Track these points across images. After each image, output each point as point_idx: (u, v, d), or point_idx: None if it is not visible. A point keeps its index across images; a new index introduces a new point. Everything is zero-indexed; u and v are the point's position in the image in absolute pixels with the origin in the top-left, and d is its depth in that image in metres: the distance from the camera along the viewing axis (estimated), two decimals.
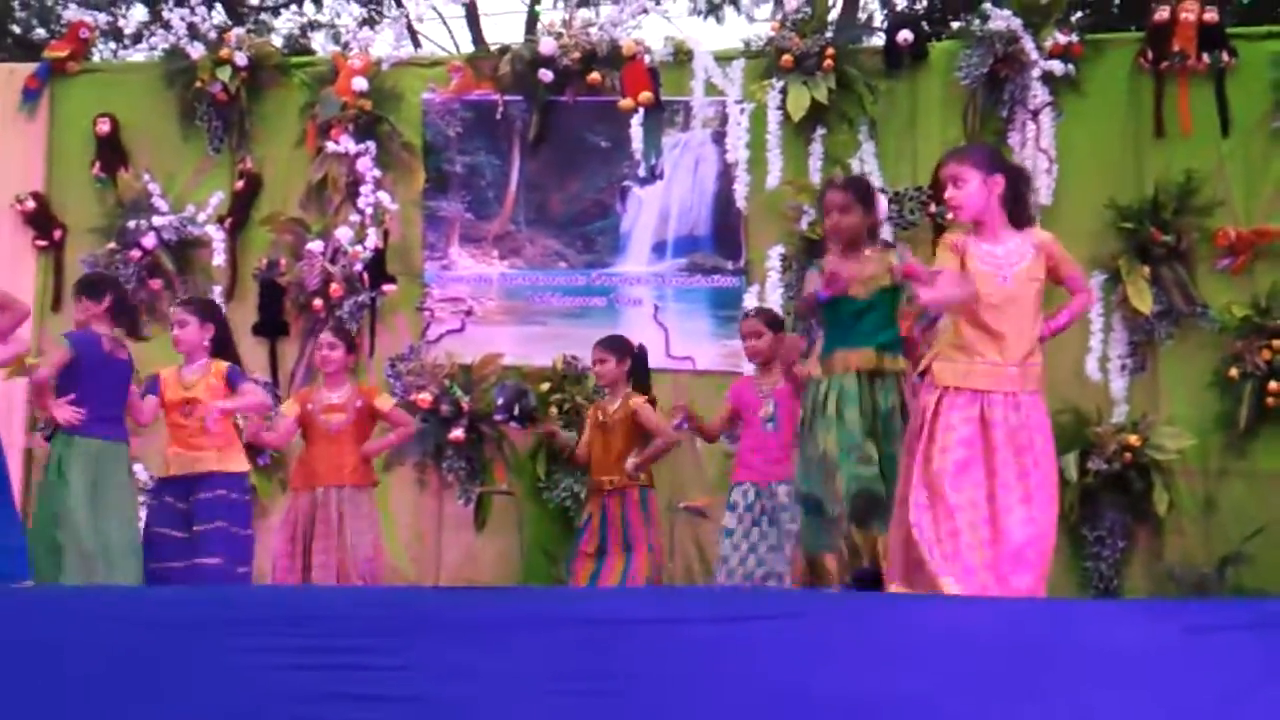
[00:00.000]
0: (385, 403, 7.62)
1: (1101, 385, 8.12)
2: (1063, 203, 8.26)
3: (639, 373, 7.58)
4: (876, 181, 8.36)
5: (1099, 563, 7.91)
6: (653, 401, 7.51)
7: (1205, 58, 8.23)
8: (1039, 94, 8.32)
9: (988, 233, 5.21)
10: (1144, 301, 8.07)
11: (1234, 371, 8.00)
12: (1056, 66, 8.31)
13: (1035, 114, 8.32)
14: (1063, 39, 8.35)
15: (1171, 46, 8.23)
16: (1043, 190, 8.17)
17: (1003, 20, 8.32)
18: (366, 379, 8.33)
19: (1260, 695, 3.28)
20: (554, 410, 8.34)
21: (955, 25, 8.86)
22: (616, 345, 7.60)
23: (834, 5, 13.29)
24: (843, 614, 3.69)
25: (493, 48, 9.05)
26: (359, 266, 8.68)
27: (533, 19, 16.44)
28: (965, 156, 5.36)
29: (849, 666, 3.36)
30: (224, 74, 8.92)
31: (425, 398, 8.39)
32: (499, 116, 8.92)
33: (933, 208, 8.11)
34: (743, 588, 6.21)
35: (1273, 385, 7.90)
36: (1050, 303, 5.36)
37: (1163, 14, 8.26)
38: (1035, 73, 8.31)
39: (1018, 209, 5.28)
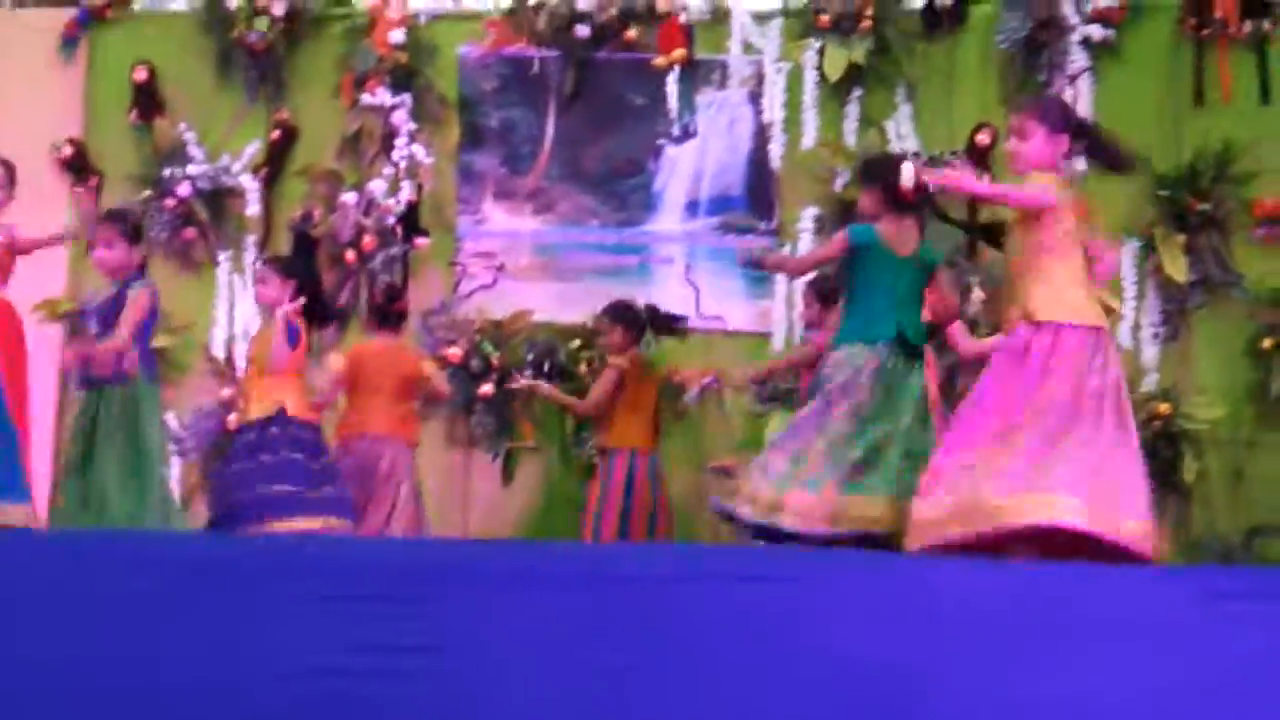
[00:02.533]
0: (426, 365, 7.73)
1: (1133, 353, 8.08)
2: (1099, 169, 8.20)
3: (661, 327, 7.66)
4: (912, 145, 8.36)
5: None
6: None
7: (1247, 25, 8.16)
8: (1078, 59, 8.27)
9: None
10: (1178, 269, 8.03)
11: (1267, 342, 7.95)
12: (1096, 31, 8.25)
13: (1073, 79, 8.27)
14: (1103, 3, 8.28)
15: (1213, 13, 8.16)
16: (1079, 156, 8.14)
17: None
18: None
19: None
20: (584, 367, 8.36)
21: None
22: (619, 313, 7.77)
23: None
24: (866, 576, 3.70)
25: (530, 3, 9.03)
26: (392, 219, 8.68)
27: None
28: (1034, 110, 5.34)
29: (869, 629, 3.36)
30: (261, 24, 8.91)
31: (455, 353, 8.42)
32: (534, 72, 8.90)
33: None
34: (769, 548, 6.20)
35: None
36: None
37: None
38: (1075, 37, 8.26)
39: (1107, 160, 5.29)
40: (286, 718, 3.24)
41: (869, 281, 5.83)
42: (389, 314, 7.76)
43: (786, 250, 8.41)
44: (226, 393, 8.56)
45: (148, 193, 8.90)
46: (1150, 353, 8.12)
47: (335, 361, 7.58)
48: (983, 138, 8.16)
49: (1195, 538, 7.89)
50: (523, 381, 8.10)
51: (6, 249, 6.77)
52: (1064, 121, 5.31)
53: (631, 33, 8.71)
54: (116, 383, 6.53)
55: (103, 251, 6.73)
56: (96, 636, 3.42)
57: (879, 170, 6.01)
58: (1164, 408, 7.82)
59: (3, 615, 3.41)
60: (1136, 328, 8.13)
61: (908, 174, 5.65)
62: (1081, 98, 8.25)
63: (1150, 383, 8.03)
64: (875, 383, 5.68)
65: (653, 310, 7.83)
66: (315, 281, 7.36)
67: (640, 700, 3.28)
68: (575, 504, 8.24)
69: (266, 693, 3.27)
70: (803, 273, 7.03)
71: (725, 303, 8.63)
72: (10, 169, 7.07)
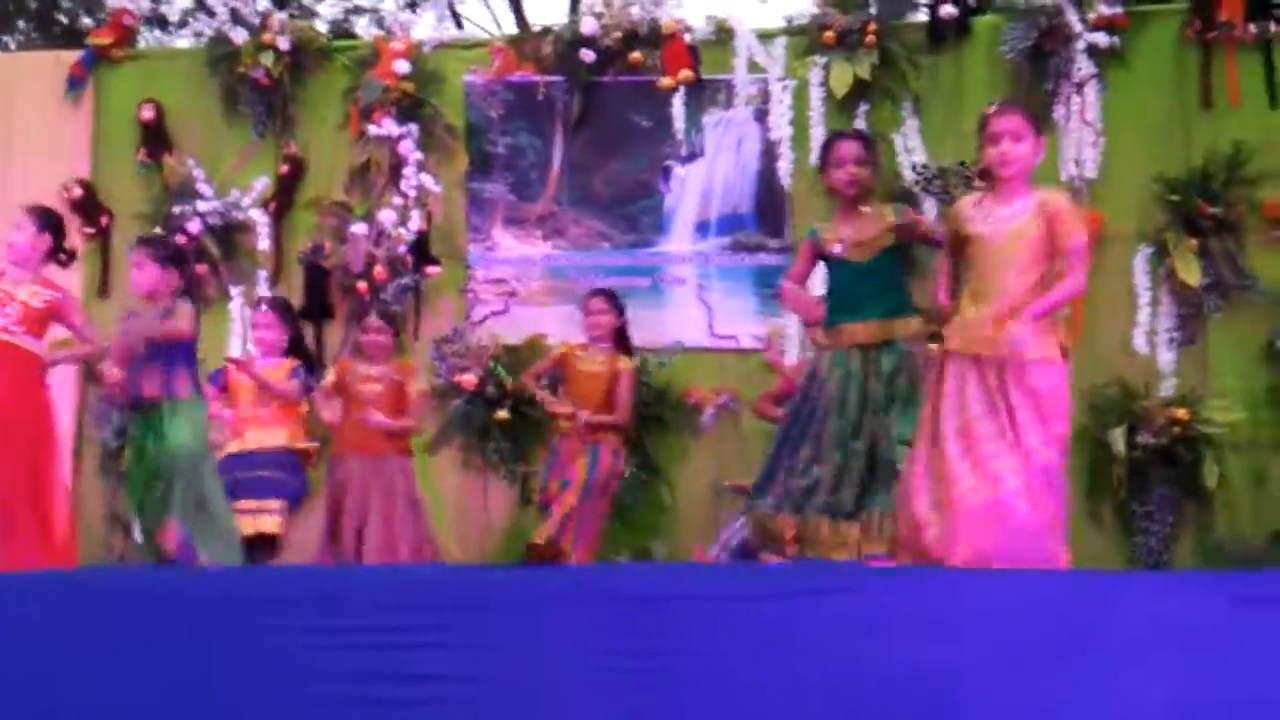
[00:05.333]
0: (412, 388, 7.79)
1: (1149, 358, 8.07)
2: (1109, 176, 8.21)
3: (626, 337, 7.63)
4: (920, 157, 8.36)
5: (1147, 537, 7.86)
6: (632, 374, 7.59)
7: (1253, 27, 8.14)
8: (1084, 66, 8.26)
9: (1007, 192, 5.16)
10: (1192, 274, 8.00)
11: None
12: (1101, 39, 8.24)
13: (1080, 87, 8.26)
14: (1107, 10, 8.27)
15: (1218, 16, 8.15)
16: (1089, 163, 8.15)
17: None
18: (412, 361, 8.36)
19: None
20: None
21: None
22: (616, 299, 7.66)
23: None
24: (889, 587, 3.67)
25: (534, 28, 9.04)
26: (403, 249, 8.69)
27: None
28: (1024, 114, 5.30)
29: (893, 640, 3.35)
30: (267, 59, 8.94)
31: (470, 379, 8.42)
32: (541, 97, 8.92)
33: (977, 183, 8.05)
34: (785, 563, 6.18)
35: None
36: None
37: None
38: (1080, 45, 8.25)
39: None
40: None
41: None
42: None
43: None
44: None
45: (158, 230, 8.90)
46: (1166, 358, 8.09)
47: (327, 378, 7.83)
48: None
49: (1218, 543, 7.85)
50: (559, 407, 7.92)
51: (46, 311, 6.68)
52: (1039, 126, 5.30)
53: (636, 55, 8.72)
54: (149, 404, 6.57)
55: (134, 274, 6.74)
56: (118, 670, 3.42)
57: (878, 153, 6.07)
58: (1182, 413, 7.79)
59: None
60: (1152, 333, 8.10)
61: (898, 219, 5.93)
62: (1089, 105, 8.24)
63: (1168, 388, 8.00)
64: None
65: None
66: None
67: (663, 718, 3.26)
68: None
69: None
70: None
71: (738, 322, 8.63)
72: (42, 215, 6.85)
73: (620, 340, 7.61)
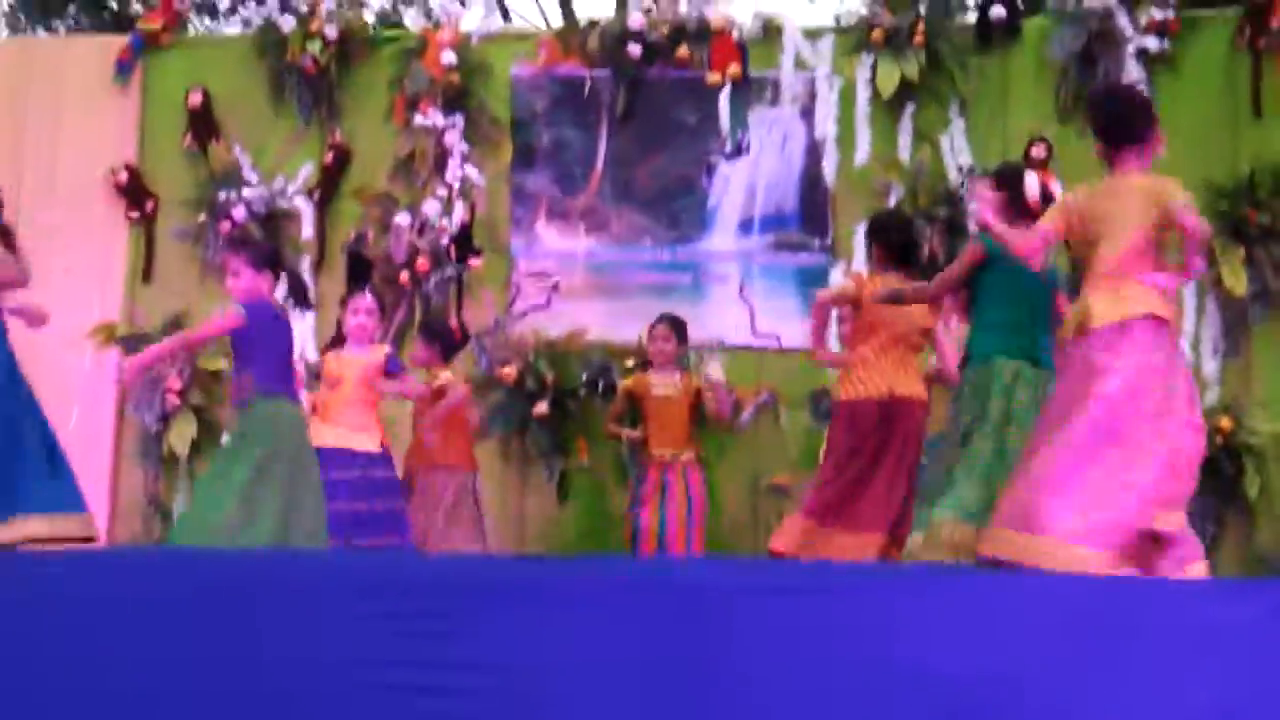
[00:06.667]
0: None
1: (1194, 367, 8.00)
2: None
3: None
4: (965, 159, 8.33)
5: None
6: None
7: None
8: (1133, 72, 8.21)
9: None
10: (1238, 282, 7.96)
11: None
12: (1151, 43, 8.20)
13: None
14: (1159, 15, 8.23)
15: (1270, 23, 8.09)
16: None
17: None
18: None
19: None
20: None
21: (1049, 1, 8.73)
22: (680, 327, 7.73)
23: None
24: (928, 588, 3.65)
25: (581, 22, 9.03)
26: (446, 240, 8.70)
27: None
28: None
29: (933, 642, 3.33)
30: (314, 47, 8.96)
31: (510, 372, 8.42)
32: (587, 91, 8.92)
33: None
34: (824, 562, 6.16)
35: None
36: None
37: None
38: (1130, 49, 8.22)
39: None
40: None
41: (999, 295, 5.63)
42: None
43: (841, 267, 8.38)
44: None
45: (203, 217, 8.94)
46: (1211, 367, 8.05)
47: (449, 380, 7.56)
48: (1038, 151, 8.11)
49: (1260, 552, 7.80)
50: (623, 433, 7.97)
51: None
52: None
53: (683, 51, 8.72)
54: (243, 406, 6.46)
55: (230, 281, 6.72)
56: (158, 648, 3.43)
57: (1009, 178, 5.83)
58: (1226, 422, 7.74)
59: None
60: (1197, 342, 8.06)
61: (1032, 183, 5.58)
62: None
63: (1212, 397, 7.94)
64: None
65: None
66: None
67: (702, 714, 3.26)
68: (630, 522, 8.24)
69: (321, 707, 3.27)
70: (940, 295, 6.22)
71: (779, 320, 8.60)
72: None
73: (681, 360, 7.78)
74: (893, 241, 6.39)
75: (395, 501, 7.05)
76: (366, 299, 7.32)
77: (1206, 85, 8.31)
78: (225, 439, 6.60)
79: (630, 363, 8.41)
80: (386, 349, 7.32)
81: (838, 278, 8.25)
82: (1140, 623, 3.33)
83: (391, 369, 7.15)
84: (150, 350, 6.37)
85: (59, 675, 3.43)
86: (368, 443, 7.00)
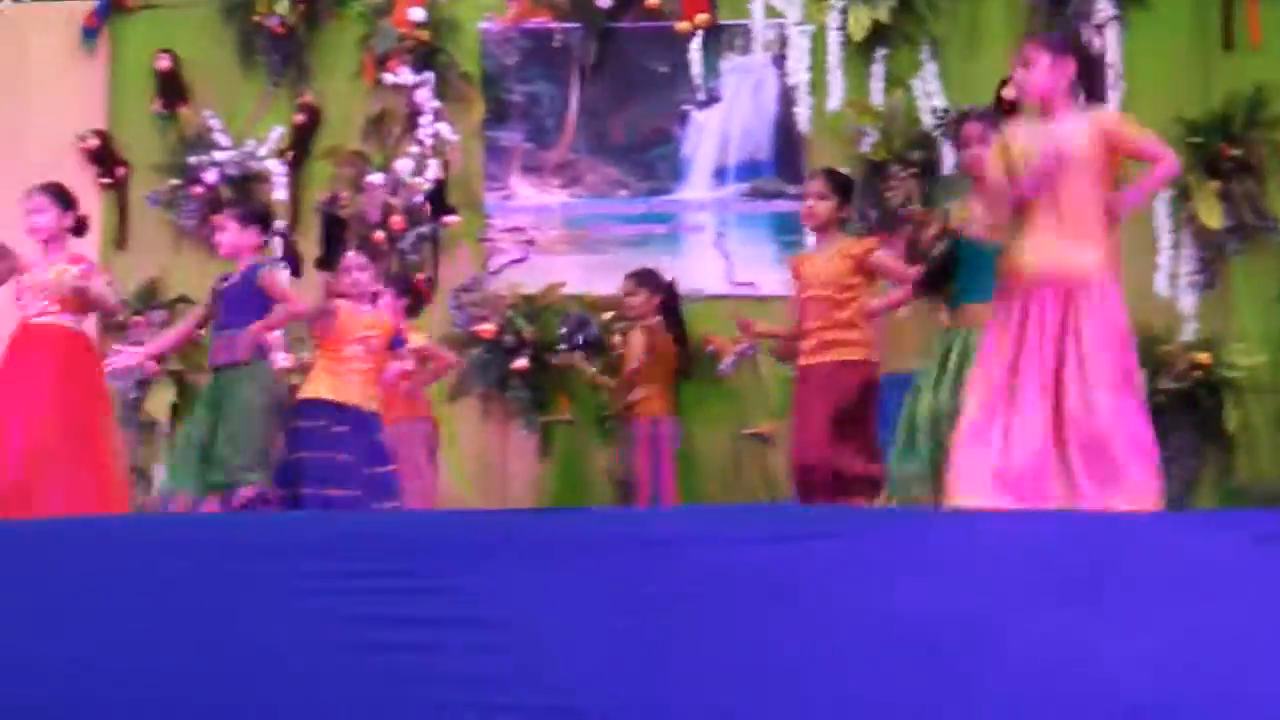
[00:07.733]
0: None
1: (1170, 302, 8.03)
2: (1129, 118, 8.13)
3: (672, 310, 7.77)
4: (939, 101, 8.31)
5: (1169, 482, 7.71)
6: (682, 340, 7.86)
7: None
8: (1104, 8, 8.19)
9: (1049, 116, 5.06)
10: (1213, 217, 7.95)
11: None
12: None
13: (1100, 29, 8.19)
14: None
15: None
16: (1109, 106, 8.07)
17: None
18: (429, 310, 8.36)
19: None
20: (616, 338, 8.33)
21: None
22: (647, 278, 7.73)
23: None
24: (900, 530, 3.65)
25: None
26: (420, 198, 8.67)
27: None
28: (1039, 39, 5.26)
29: (906, 584, 3.33)
30: (281, 7, 8.91)
31: (488, 328, 8.41)
32: (557, 44, 8.88)
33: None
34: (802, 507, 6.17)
35: None
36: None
37: None
38: None
39: (1091, 93, 5.16)
40: (324, 691, 3.23)
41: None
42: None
43: None
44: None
45: (175, 181, 8.90)
46: (1188, 301, 8.05)
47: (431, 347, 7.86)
48: (1008, 92, 8.07)
49: (1240, 486, 7.82)
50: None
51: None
52: (1068, 47, 5.17)
53: (652, 0, 8.66)
54: (241, 365, 6.54)
55: (218, 236, 6.78)
56: (139, 618, 3.43)
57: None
58: (1204, 357, 7.75)
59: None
60: (1173, 277, 8.06)
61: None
62: (1109, 47, 8.18)
63: (1189, 332, 7.96)
64: None
65: (673, 288, 7.87)
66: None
67: (681, 663, 3.26)
68: (611, 475, 8.26)
69: (301, 666, 3.27)
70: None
71: (757, 269, 8.59)
72: (59, 192, 6.78)
73: (669, 312, 7.81)
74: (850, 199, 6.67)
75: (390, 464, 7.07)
76: (357, 256, 7.33)
77: (1177, 20, 8.27)
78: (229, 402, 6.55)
79: (608, 315, 8.41)
80: (402, 325, 7.35)
81: None
82: (1116, 557, 3.32)
83: (397, 346, 7.20)
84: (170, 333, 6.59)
85: (26, 638, 3.43)
86: (371, 403, 7.00)
